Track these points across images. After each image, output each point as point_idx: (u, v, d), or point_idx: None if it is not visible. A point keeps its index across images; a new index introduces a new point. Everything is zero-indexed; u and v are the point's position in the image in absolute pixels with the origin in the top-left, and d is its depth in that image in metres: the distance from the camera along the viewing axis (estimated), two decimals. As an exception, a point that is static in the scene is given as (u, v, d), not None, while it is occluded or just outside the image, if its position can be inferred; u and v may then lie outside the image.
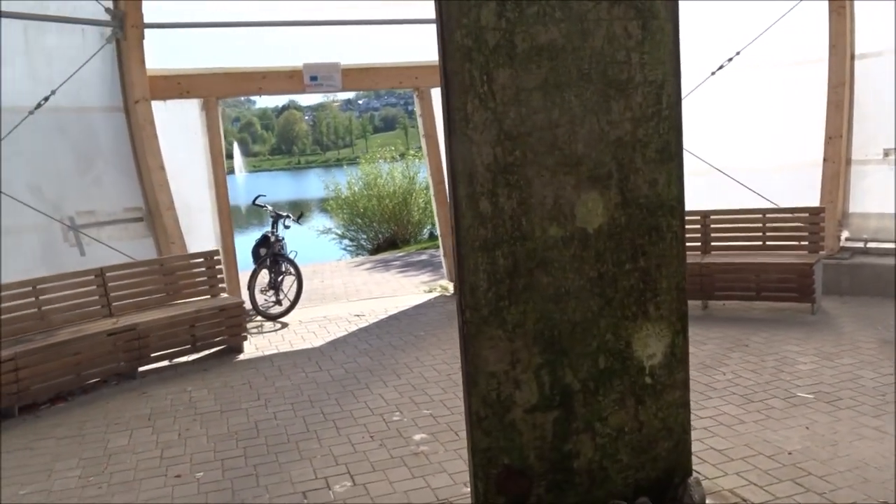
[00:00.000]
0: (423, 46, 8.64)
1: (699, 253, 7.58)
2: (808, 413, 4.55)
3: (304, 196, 36.41)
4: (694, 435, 4.35)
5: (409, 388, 5.59)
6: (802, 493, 3.64)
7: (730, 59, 8.31)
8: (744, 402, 4.81)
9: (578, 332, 3.37)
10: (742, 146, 8.48)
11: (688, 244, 7.39)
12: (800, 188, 8.10)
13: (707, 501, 3.53)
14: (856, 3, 7.90)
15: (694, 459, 3.79)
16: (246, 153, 77.76)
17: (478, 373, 3.26)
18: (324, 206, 21.96)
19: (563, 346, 3.35)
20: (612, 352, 3.44)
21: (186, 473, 4.34)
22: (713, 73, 8.37)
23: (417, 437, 4.64)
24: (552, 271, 3.30)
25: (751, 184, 8.07)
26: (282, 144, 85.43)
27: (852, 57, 7.97)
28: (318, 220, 20.66)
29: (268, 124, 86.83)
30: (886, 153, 7.82)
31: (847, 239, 8.02)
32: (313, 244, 16.70)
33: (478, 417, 3.28)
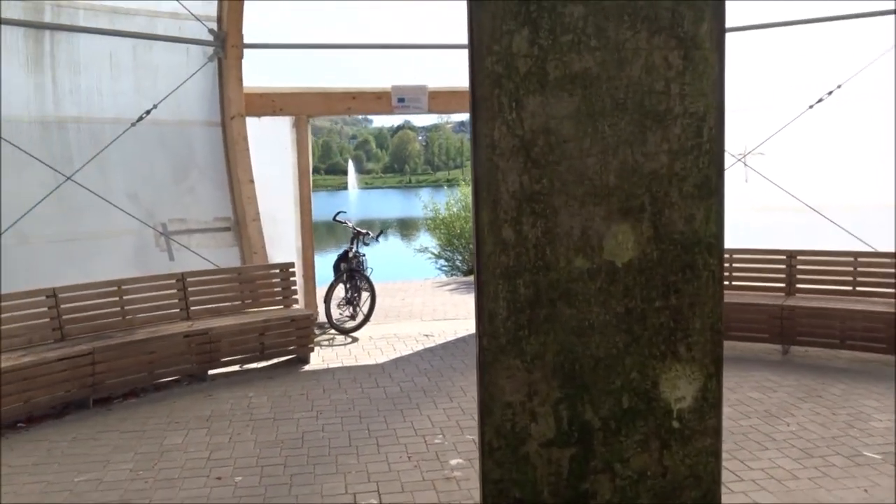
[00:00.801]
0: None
1: (783, 294, 7.18)
2: (870, 475, 4.21)
3: (411, 214, 37.03)
4: (739, 487, 4.12)
5: (458, 412, 5.57)
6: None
7: (830, 93, 7.88)
8: (802, 457, 4.50)
9: (601, 369, 3.27)
10: (840, 182, 8.00)
11: (771, 284, 7.17)
12: (903, 231, 7.56)
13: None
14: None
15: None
16: (360, 170, 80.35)
17: (493, 402, 3.22)
18: (426, 225, 22.32)
19: (584, 381, 3.26)
20: (637, 391, 3.31)
21: (227, 476, 4.49)
22: (811, 107, 7.95)
23: (454, 461, 4.61)
24: (576, 303, 3.22)
25: (848, 223, 7.59)
26: (395, 163, 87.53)
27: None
28: (424, 239, 20.95)
29: (383, 143, 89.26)
30: None
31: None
32: (411, 262, 17.03)
33: (490, 447, 3.23)
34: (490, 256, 3.13)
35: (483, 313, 3.17)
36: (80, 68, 7.66)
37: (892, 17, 7.59)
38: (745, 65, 8.20)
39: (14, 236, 6.87)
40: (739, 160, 8.29)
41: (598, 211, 3.18)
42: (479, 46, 3.06)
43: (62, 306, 6.19)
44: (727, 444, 4.61)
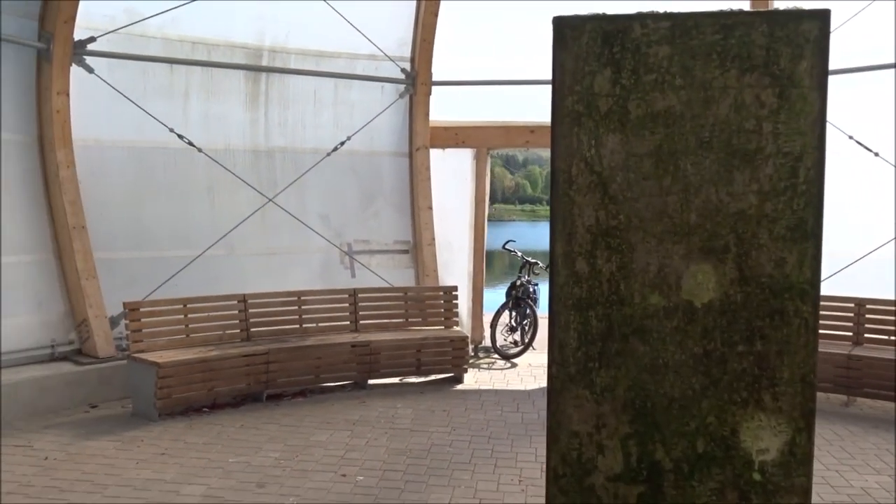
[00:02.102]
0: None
1: (850, 343, 6.66)
2: None
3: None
4: None
5: (586, 445, 5.55)
6: None
7: None
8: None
9: (675, 409, 3.21)
10: None
11: (838, 333, 6.78)
12: None
13: None
14: None
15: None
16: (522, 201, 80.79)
17: (560, 429, 3.30)
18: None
19: (656, 419, 3.23)
20: (713, 437, 3.20)
21: (351, 475, 4.92)
22: None
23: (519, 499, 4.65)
24: (650, 341, 3.21)
25: None
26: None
27: None
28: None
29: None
30: None
31: None
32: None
33: (555, 474, 3.30)
34: (563, 287, 3.24)
35: (554, 342, 3.29)
36: (288, 104, 8.73)
37: None
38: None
39: (223, 247, 7.99)
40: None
41: (676, 249, 3.17)
42: (560, 87, 3.21)
43: (250, 310, 7.10)
44: None
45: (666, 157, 3.18)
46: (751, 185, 3.15)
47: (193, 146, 7.83)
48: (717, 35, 3.10)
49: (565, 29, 3.20)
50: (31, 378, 6.41)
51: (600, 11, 3.20)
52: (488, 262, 10.31)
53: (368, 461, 5.19)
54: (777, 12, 3.10)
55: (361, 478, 4.89)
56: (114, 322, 7.19)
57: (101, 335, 7.03)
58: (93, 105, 7.36)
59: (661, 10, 3.15)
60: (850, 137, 7.88)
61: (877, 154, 7.74)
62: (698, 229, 3.18)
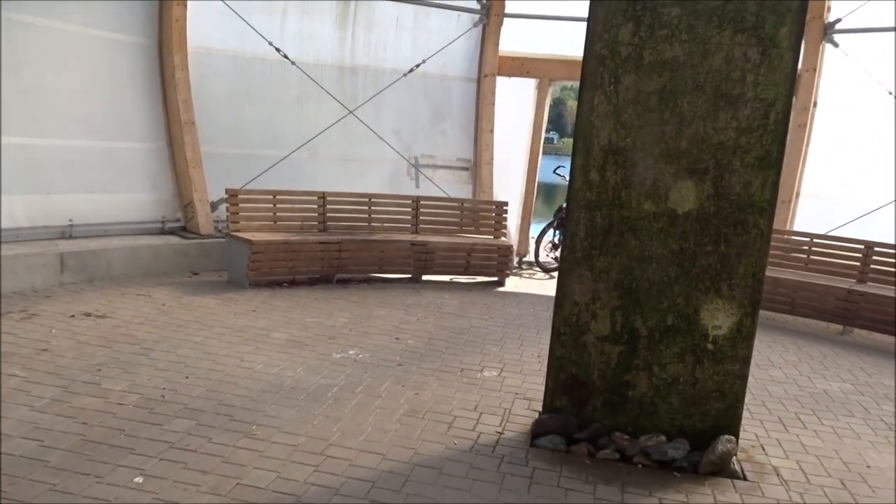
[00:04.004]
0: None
1: (854, 280, 7.46)
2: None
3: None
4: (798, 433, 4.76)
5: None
6: (837, 487, 3.97)
7: None
8: (884, 430, 4.90)
9: (654, 290, 4.20)
10: None
11: (843, 271, 7.56)
12: None
13: (734, 458, 4.09)
14: None
15: (779, 447, 4.32)
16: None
17: (564, 299, 4.33)
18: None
19: (638, 297, 4.22)
20: (680, 314, 4.19)
21: (403, 339, 6.08)
22: None
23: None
24: (640, 237, 4.18)
25: None
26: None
27: None
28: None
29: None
30: None
31: None
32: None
33: (558, 332, 4.36)
34: (578, 192, 4.23)
35: (567, 233, 4.29)
36: (373, 26, 9.65)
37: None
38: None
39: (307, 151, 9.12)
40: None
41: (668, 168, 4.12)
42: (591, 34, 4.14)
43: (328, 206, 8.25)
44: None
45: (668, 96, 4.07)
46: (731, 123, 4.03)
47: (287, 59, 8.88)
48: (719, 1, 3.93)
49: (600, -12, 4.07)
50: (148, 245, 7.74)
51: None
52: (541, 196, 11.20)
53: (418, 332, 6.35)
54: (767, -14, 3.89)
55: (411, 341, 6.05)
56: (213, 206, 8.46)
57: (202, 216, 8.31)
58: (205, 16, 8.44)
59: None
60: (890, 93, 8.41)
61: (916, 110, 8.26)
62: (686, 154, 4.09)
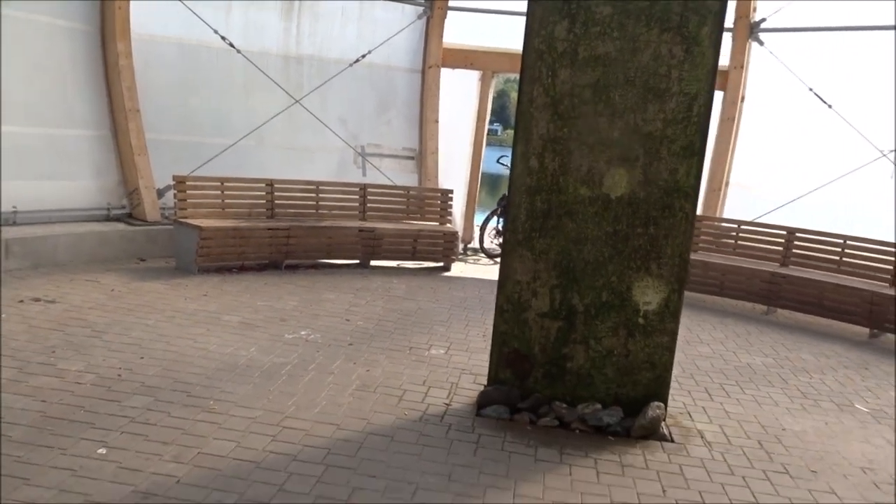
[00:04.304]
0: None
1: (887, 285, 7.60)
2: (842, 418, 5.02)
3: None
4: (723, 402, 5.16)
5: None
6: (755, 448, 4.37)
7: None
8: (799, 398, 5.37)
9: (589, 269, 4.52)
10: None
11: (876, 274, 7.68)
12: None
13: (663, 423, 4.46)
14: None
15: (704, 413, 4.71)
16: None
17: (507, 278, 4.62)
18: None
19: (575, 276, 4.54)
20: (614, 291, 4.52)
21: (353, 321, 6.30)
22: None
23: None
24: (577, 220, 4.49)
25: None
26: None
27: None
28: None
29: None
30: None
31: None
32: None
33: (501, 309, 4.65)
34: (519, 177, 4.52)
35: (509, 217, 4.58)
36: (318, 17, 9.76)
37: None
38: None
39: (254, 139, 9.20)
40: (885, 155, 8.51)
41: (602, 156, 4.44)
42: (530, 30, 4.43)
43: (275, 193, 8.37)
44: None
45: (601, 89, 4.39)
46: (659, 115, 4.37)
47: (234, 47, 8.93)
48: (647, 2, 4.26)
49: (538, -13, 4.35)
50: (93, 231, 7.73)
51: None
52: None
53: (367, 314, 6.56)
54: (691, -11, 4.23)
55: (361, 323, 6.27)
56: (160, 193, 8.48)
57: (149, 202, 8.32)
58: (149, 3, 8.42)
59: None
60: (810, 89, 8.98)
61: (830, 106, 8.85)
62: (618, 143, 4.41)
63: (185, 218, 7.69)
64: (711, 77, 4.30)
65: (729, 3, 9.69)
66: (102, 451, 3.60)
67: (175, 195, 7.82)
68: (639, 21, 4.29)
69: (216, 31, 8.77)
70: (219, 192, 8.07)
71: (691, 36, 4.26)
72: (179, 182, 7.82)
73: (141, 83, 8.39)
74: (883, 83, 8.58)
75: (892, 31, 8.53)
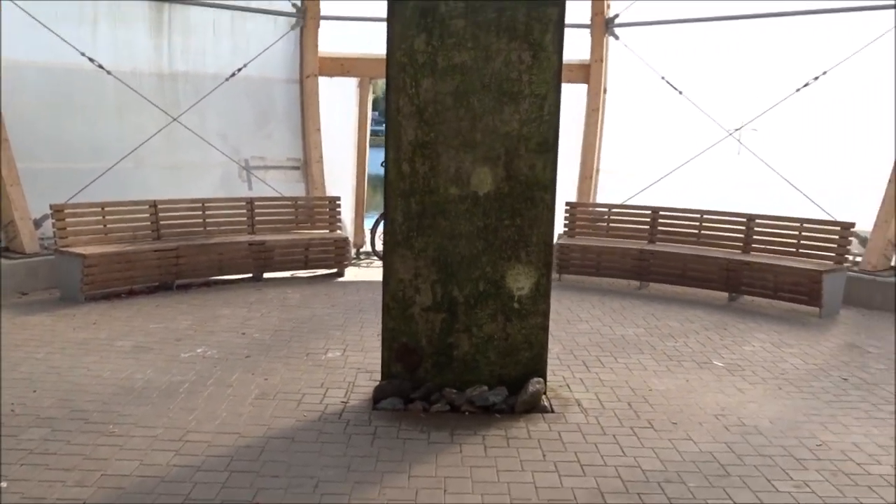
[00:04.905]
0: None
1: (739, 251, 8.36)
2: (701, 374, 5.62)
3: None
4: (598, 373, 5.64)
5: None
6: (625, 409, 4.86)
7: (816, 78, 8.81)
8: (665, 360, 5.93)
9: (466, 263, 4.88)
10: (816, 160, 8.96)
11: (729, 243, 8.38)
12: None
13: (544, 396, 4.88)
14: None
15: (581, 384, 5.15)
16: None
17: (391, 277, 4.92)
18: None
19: (453, 270, 4.89)
20: (489, 281, 4.90)
21: (249, 334, 6.43)
22: (798, 90, 8.91)
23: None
24: (450, 218, 4.84)
25: (817, 195, 8.60)
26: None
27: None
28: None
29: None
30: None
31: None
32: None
33: (387, 307, 4.94)
34: (393, 182, 4.81)
35: (387, 220, 4.86)
36: (189, 33, 9.71)
37: (887, 11, 8.40)
38: (753, 49, 9.30)
39: (133, 160, 9.09)
40: (731, 135, 9.36)
41: (467, 157, 4.79)
42: (391, 44, 4.73)
43: (160, 214, 8.33)
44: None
45: (461, 95, 4.75)
46: (514, 116, 4.76)
47: (103, 68, 8.80)
48: (494, 14, 4.65)
49: (395, 4, 4.66)
50: (-32, 269, 7.49)
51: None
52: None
53: (263, 326, 6.70)
54: (532, 0, 4.64)
55: (257, 335, 6.41)
56: (37, 223, 8.26)
57: (26, 234, 8.10)
58: (9, 28, 8.17)
59: None
60: (663, 78, 9.73)
61: (681, 92, 9.63)
62: (481, 144, 4.79)
63: (67, 247, 7.56)
64: (557, 79, 4.73)
65: (583, 2, 10.24)
66: (4, 484, 3.65)
67: (54, 224, 7.67)
68: (489, 31, 4.67)
69: (83, 53, 8.61)
70: (100, 217, 7.96)
71: (537, 42, 4.68)
72: (57, 210, 7.68)
73: (8, 111, 8.14)
74: (725, 69, 9.45)
75: (731, 21, 9.41)
